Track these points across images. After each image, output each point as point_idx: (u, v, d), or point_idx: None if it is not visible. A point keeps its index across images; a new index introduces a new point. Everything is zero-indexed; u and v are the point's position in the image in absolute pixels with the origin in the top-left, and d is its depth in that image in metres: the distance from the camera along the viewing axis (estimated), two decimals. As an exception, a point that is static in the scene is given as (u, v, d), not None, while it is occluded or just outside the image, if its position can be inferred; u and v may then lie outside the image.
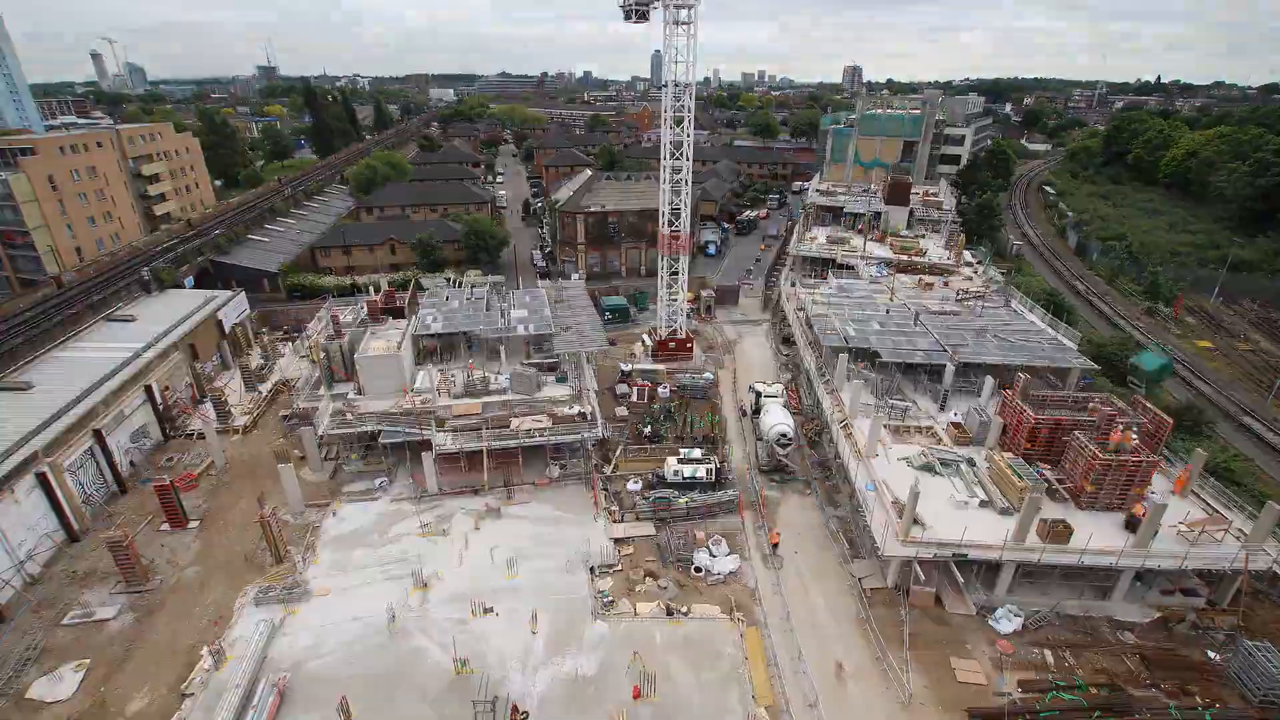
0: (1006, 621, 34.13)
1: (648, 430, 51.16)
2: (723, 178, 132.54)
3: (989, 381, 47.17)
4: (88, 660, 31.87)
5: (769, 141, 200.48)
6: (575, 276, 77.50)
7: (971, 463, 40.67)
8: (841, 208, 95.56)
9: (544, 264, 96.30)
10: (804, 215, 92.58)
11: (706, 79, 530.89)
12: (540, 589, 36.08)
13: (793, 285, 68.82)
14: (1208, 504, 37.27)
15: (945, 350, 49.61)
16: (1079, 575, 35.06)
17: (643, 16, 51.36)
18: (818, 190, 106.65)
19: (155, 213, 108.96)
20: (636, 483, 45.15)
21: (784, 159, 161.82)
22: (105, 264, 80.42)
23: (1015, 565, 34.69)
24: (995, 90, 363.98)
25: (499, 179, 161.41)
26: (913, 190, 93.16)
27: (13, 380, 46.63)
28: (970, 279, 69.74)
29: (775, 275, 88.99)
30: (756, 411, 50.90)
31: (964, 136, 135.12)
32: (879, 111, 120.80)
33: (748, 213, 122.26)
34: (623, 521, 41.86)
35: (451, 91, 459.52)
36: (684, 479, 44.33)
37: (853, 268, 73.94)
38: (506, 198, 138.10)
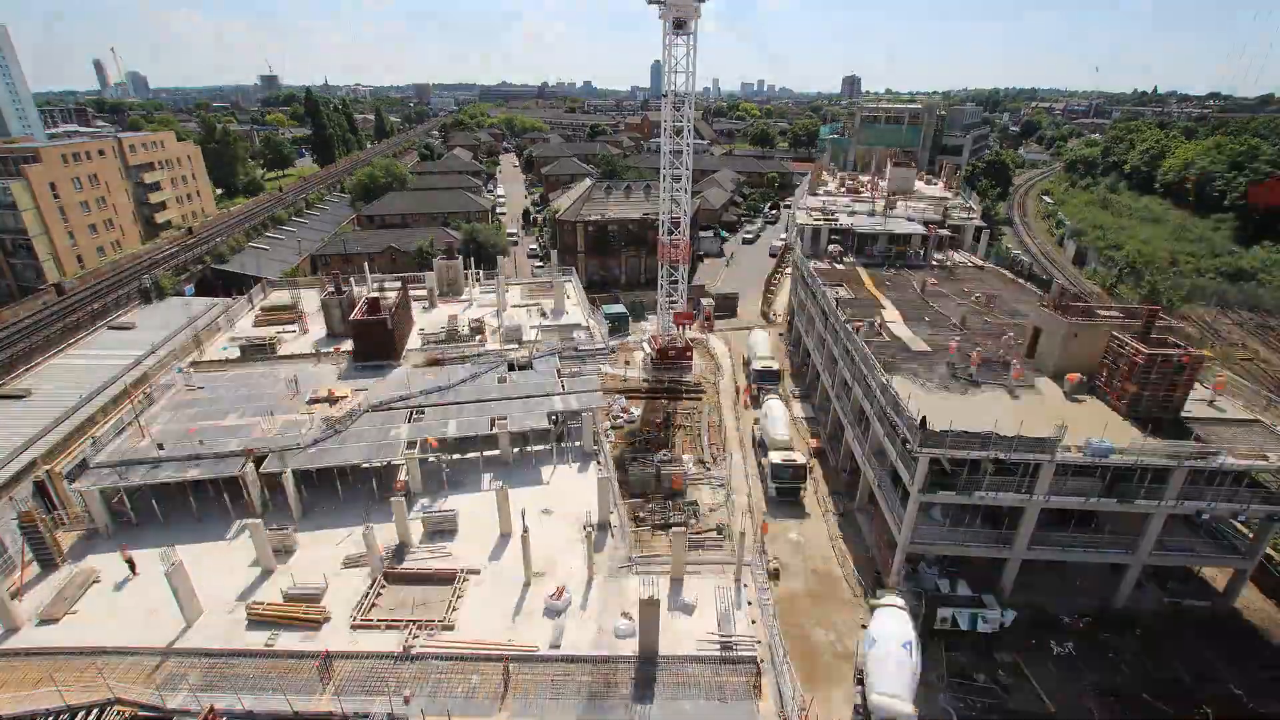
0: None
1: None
2: (722, 187, 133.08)
3: None
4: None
5: (768, 151, 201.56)
6: None
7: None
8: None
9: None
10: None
11: (706, 89, 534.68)
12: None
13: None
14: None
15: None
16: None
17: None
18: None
19: (156, 220, 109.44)
20: None
21: (782, 169, 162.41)
22: (105, 271, 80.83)
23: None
24: (993, 101, 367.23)
25: (499, 188, 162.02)
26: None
27: (11, 388, 46.60)
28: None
29: (774, 283, 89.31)
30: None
31: (962, 147, 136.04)
32: (878, 111, 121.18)
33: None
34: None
35: (453, 100, 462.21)
36: None
37: None
38: (507, 206, 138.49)
